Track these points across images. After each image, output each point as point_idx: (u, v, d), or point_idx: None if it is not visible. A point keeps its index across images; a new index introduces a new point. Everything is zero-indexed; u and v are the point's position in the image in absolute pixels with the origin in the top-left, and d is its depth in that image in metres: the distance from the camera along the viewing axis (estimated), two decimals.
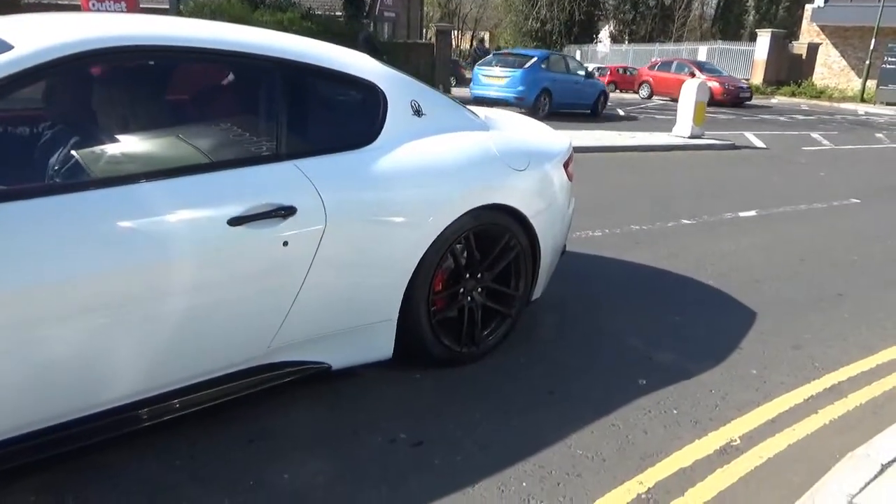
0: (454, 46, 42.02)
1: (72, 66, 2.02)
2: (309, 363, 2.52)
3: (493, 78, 14.56)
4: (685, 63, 24.34)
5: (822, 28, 29.45)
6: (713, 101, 21.09)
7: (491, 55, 17.35)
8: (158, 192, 2.06)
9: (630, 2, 41.30)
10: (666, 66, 24.58)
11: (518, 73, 14.20)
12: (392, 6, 27.88)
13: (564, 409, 2.69)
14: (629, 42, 39.41)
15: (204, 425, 2.37)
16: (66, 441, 2.00)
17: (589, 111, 15.80)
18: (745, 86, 23.28)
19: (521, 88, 14.04)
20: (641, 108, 20.32)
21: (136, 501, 2.03)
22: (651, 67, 25.15)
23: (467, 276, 2.91)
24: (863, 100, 25.65)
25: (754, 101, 23.61)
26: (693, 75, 21.66)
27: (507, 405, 2.69)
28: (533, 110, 13.33)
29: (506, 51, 19.61)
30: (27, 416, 1.91)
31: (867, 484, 2.13)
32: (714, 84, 21.70)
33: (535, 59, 14.79)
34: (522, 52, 17.32)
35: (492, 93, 14.28)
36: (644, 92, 24.58)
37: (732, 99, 21.85)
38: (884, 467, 2.21)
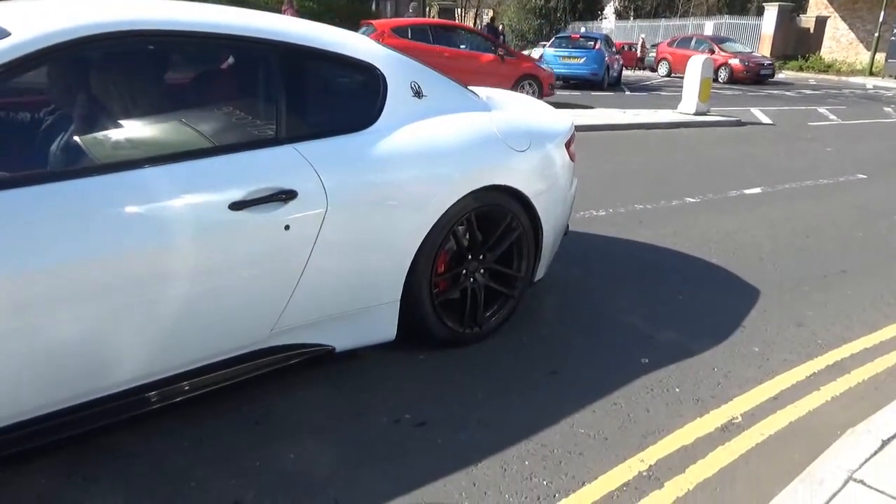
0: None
1: (70, 52, 2.02)
2: (313, 345, 2.54)
3: (572, 59, 17.15)
4: (704, 39, 23.72)
5: (831, 1, 29.01)
6: (733, 79, 20.92)
7: (556, 38, 19.32)
8: (160, 178, 2.07)
9: None
10: (685, 42, 23.97)
11: (591, 53, 17.00)
12: None
13: (566, 389, 2.71)
14: (634, 18, 38.89)
15: (210, 408, 2.40)
16: (74, 424, 2.03)
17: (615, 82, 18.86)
18: (767, 62, 22.39)
19: (594, 66, 16.91)
20: (657, 83, 20.13)
21: (145, 482, 2.06)
22: (670, 44, 24.51)
23: (469, 257, 2.92)
24: (871, 73, 25.34)
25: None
26: (712, 52, 21.32)
27: (510, 385, 2.72)
28: (601, 84, 16.86)
29: (573, 34, 21.13)
30: (34, 401, 1.95)
31: (867, 459, 2.15)
32: (734, 61, 21.39)
33: (598, 41, 17.62)
34: (588, 35, 20.36)
35: (572, 71, 16.95)
36: (663, 69, 24.00)
37: (753, 76, 21.14)
38: (884, 443, 2.23)
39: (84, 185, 1.95)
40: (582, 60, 16.96)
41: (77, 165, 2.09)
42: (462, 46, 12.02)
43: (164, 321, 2.11)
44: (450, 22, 19.19)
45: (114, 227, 1.97)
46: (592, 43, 17.33)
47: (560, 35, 20.87)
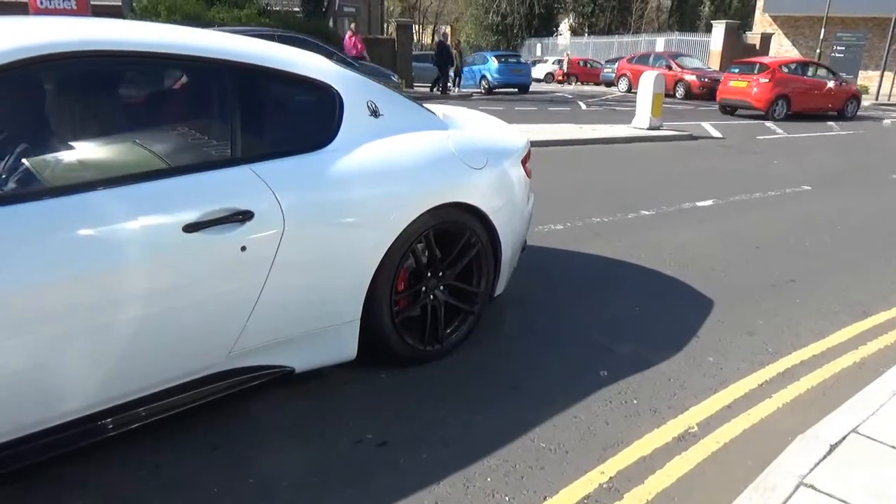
0: (416, 41, 41.87)
1: (19, 71, 1.97)
2: (272, 367, 2.51)
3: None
4: (662, 56, 24.23)
5: (774, 18, 30.18)
6: (690, 94, 21.37)
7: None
8: (112, 200, 2.03)
9: None
10: (643, 59, 24.47)
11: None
12: (352, 1, 27.64)
13: (527, 403, 2.73)
14: (589, 35, 39.76)
15: (167, 434, 2.35)
16: (24, 456, 1.96)
17: None
18: (721, 78, 22.80)
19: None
20: (613, 98, 20.56)
21: None
22: (629, 61, 25.03)
23: (429, 274, 2.93)
24: None
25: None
26: (670, 68, 21.85)
27: (472, 401, 2.73)
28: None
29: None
30: None
31: (816, 464, 2.22)
32: (691, 77, 21.82)
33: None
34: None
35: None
36: (623, 85, 24.49)
37: (710, 92, 20.99)
38: (832, 447, 2.30)
39: (32, 208, 1.90)
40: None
41: (26, 189, 2.03)
42: (818, 76, 17.39)
43: (119, 347, 2.06)
44: (809, 59, 20.98)
45: (64, 252, 1.92)
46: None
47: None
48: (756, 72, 16.41)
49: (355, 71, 2.88)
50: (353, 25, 17.89)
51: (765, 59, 18.11)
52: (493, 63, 21.75)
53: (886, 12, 23.82)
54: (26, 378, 1.91)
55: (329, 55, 13.19)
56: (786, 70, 16.70)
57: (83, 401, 2.06)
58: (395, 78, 15.09)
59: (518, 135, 3.58)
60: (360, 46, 16.21)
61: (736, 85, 16.75)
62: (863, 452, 2.29)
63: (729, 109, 17.28)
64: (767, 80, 16.08)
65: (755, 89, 16.20)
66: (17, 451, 1.94)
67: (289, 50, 2.70)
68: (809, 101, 16.77)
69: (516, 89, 21.93)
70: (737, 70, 17.18)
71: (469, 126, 3.37)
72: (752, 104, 16.28)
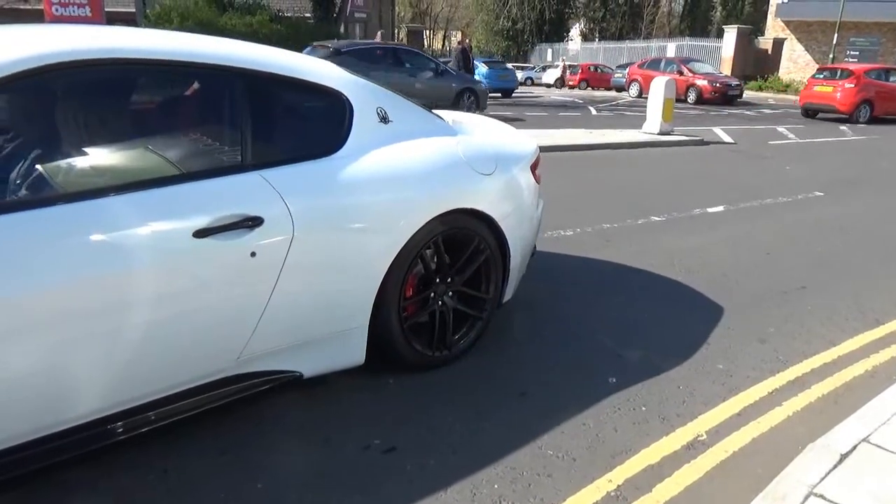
0: (426, 46, 42.03)
1: (34, 79, 2.00)
2: (280, 372, 2.52)
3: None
4: (673, 61, 24.18)
5: (787, 23, 30.04)
6: (702, 100, 21.42)
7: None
8: (123, 205, 2.05)
9: (600, 0, 41.64)
10: (655, 64, 24.48)
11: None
12: (363, 7, 27.72)
13: (536, 410, 2.73)
14: (599, 40, 39.73)
15: (175, 438, 2.37)
16: (34, 459, 1.97)
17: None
18: (734, 83, 22.78)
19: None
20: (623, 103, 20.53)
21: None
22: (640, 66, 25.00)
23: (437, 280, 2.94)
24: None
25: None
26: (681, 73, 21.82)
27: (479, 407, 2.72)
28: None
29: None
30: None
31: (827, 474, 2.20)
32: (703, 82, 21.83)
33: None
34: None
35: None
36: (633, 91, 24.42)
37: (721, 97, 21.49)
38: (843, 457, 2.28)
39: (47, 213, 1.93)
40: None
41: (40, 194, 2.06)
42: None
43: (129, 351, 2.08)
44: (890, 66, 20.83)
45: (76, 257, 1.94)
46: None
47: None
48: (841, 77, 17.30)
49: (456, 81, 2.91)
50: (381, 32, 19.72)
51: (850, 66, 19.17)
52: (483, 69, 22.95)
53: None
54: (38, 381, 1.93)
55: (435, 67, 13.65)
56: (870, 76, 17.58)
57: (94, 404, 2.08)
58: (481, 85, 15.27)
59: (527, 140, 3.59)
60: None
61: (821, 90, 17.56)
62: (873, 462, 2.27)
63: (811, 113, 18.02)
64: (853, 86, 16.93)
65: (840, 94, 17.00)
66: (26, 456, 1.95)
67: (299, 57, 2.72)
68: (890, 106, 17.44)
69: (500, 94, 22.64)
70: (821, 76, 18.14)
71: (478, 132, 3.38)
72: (836, 108, 17.07)
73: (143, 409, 2.19)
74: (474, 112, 11.33)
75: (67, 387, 2.00)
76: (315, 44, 12.95)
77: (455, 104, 12.59)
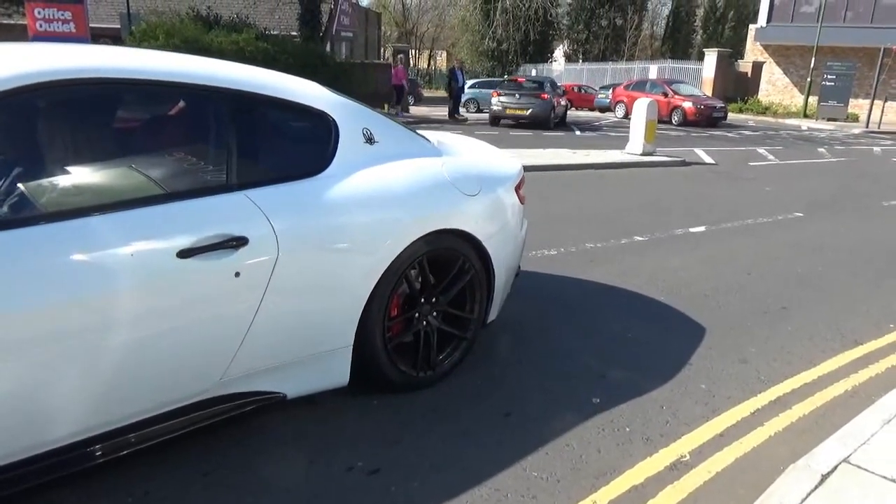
0: (412, 66, 42.32)
1: (16, 98, 1.99)
2: (264, 393, 2.50)
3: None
4: (658, 83, 24.34)
5: (766, 47, 30.65)
6: (686, 121, 21.63)
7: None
8: (106, 225, 2.04)
9: (583, 22, 42.22)
10: (640, 85, 24.61)
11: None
12: (349, 26, 27.97)
13: (520, 431, 2.73)
14: (583, 61, 40.24)
15: (157, 460, 2.34)
16: (9, 483, 1.93)
17: None
18: (719, 105, 22.68)
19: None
20: (608, 123, 20.76)
21: None
22: (626, 87, 25.14)
23: (422, 300, 2.94)
24: (805, 115, 26.66)
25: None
26: (666, 95, 22.09)
27: (464, 429, 2.72)
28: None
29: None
30: None
31: (808, 494, 2.21)
32: (687, 104, 22.03)
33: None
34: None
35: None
36: (619, 111, 24.53)
37: (706, 119, 21.51)
38: (823, 477, 2.30)
39: (29, 233, 1.91)
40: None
41: (22, 213, 2.04)
42: None
43: (110, 372, 2.06)
44: None
45: (58, 276, 1.92)
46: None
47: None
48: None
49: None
50: (400, 57, 20.99)
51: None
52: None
53: (875, 43, 24.24)
54: (16, 403, 1.90)
55: (553, 86, 14.65)
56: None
57: (73, 427, 2.05)
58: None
59: (512, 161, 3.62)
60: (401, 76, 19.23)
61: None
62: (854, 483, 2.29)
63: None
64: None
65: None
66: (2, 480, 1.91)
67: (285, 77, 2.73)
68: None
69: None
70: None
71: (463, 153, 3.40)
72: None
73: (123, 432, 2.16)
74: None
75: (47, 409, 1.98)
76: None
77: None
